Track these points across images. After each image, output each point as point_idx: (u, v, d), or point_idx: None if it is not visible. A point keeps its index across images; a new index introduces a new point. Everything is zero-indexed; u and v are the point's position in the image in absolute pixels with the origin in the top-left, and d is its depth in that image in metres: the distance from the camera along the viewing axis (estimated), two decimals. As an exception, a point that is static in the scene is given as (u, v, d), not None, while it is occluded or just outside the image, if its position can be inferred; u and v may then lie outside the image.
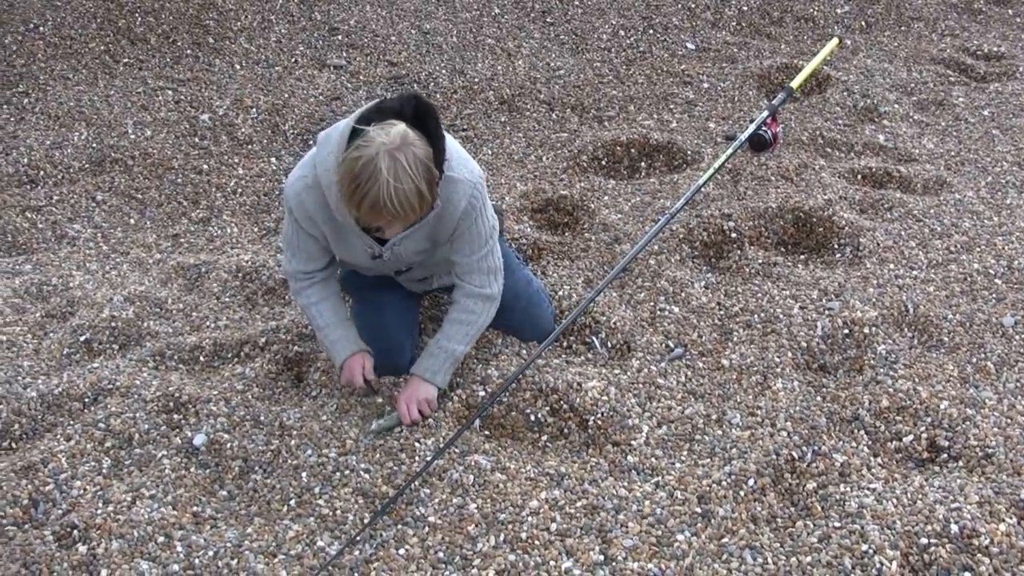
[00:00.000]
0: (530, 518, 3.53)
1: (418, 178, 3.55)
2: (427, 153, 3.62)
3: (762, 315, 4.64)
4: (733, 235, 5.25)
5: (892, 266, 5.02)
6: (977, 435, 3.84)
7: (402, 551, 3.44)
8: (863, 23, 8.26)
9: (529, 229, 5.33)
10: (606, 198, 5.68)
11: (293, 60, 7.20)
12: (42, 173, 6.06)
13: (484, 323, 4.23)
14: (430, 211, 3.83)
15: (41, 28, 7.17)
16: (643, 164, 6.22)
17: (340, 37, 7.42)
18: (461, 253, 4.10)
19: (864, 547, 3.33)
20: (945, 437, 3.86)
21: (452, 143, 3.95)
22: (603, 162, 6.24)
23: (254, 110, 6.65)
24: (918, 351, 4.43)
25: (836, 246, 5.24)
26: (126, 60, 7.09)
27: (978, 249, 5.15)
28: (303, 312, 4.30)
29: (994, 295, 4.79)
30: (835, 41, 6.51)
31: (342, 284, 4.47)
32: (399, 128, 3.59)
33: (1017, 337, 4.49)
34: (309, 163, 3.92)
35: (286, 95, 6.79)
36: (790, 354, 4.38)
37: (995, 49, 7.85)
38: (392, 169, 3.50)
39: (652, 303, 4.76)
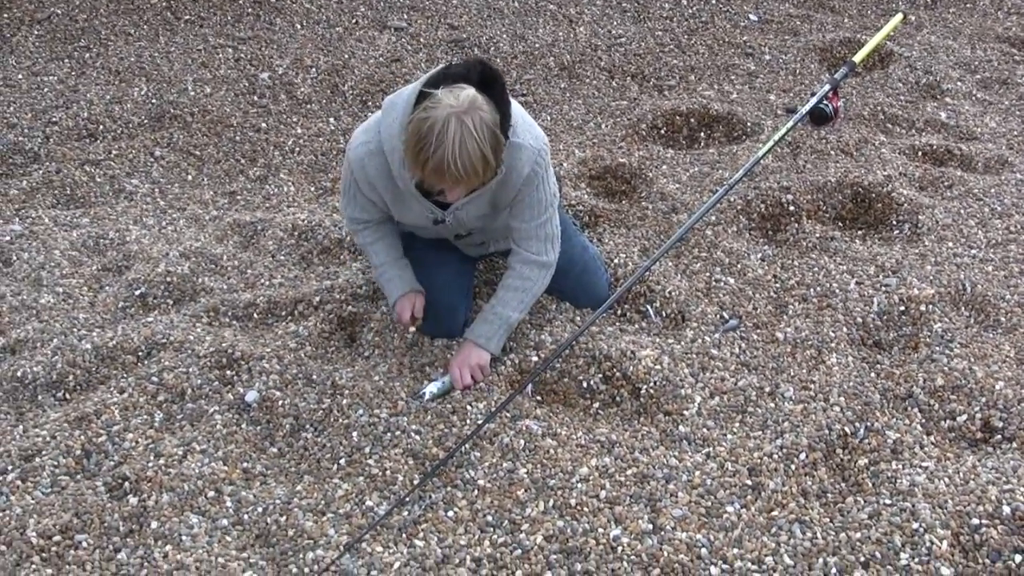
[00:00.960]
0: (579, 485, 3.53)
1: (484, 143, 3.56)
2: (494, 119, 3.61)
3: (818, 289, 4.60)
4: (791, 208, 5.21)
5: (951, 244, 4.96)
6: (1033, 417, 3.80)
7: (451, 513, 3.45)
8: (929, -1, 8.18)
9: (586, 196, 5.31)
10: (664, 167, 5.65)
11: (354, 21, 7.20)
12: (101, 127, 6.09)
13: (539, 290, 4.23)
14: (493, 177, 3.83)
15: (104, -17, 7.22)
16: (702, 134, 6.18)
17: (401, -1, 7.44)
18: (520, 219, 4.10)
19: (915, 525, 3.31)
20: (1000, 418, 3.81)
21: (517, 108, 3.95)
22: (662, 131, 6.21)
23: (314, 70, 6.65)
24: (975, 330, 4.38)
25: (894, 222, 5.19)
26: (187, 17, 7.11)
27: (1039, 230, 5.10)
28: (361, 249, 4.39)
29: (1053, 276, 4.73)
30: (899, 16, 6.44)
31: None
32: (468, 92, 3.59)
33: (1077, 319, 4.44)
34: (373, 128, 3.94)
35: (346, 56, 6.79)
36: (845, 329, 4.35)
37: (1063, 27, 7.75)
38: (459, 132, 3.51)
39: (708, 274, 4.74)
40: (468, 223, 4.14)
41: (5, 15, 7.05)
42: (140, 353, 4.21)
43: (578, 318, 4.39)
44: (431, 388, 4.00)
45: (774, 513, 3.43)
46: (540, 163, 3.97)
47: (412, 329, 4.25)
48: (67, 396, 4.03)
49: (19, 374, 4.06)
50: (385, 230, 4.29)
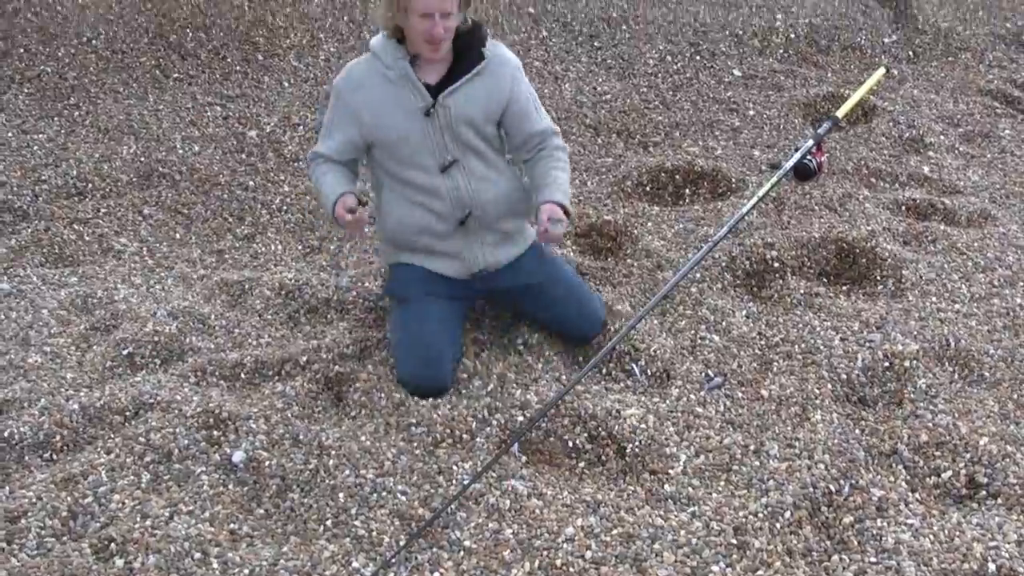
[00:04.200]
0: (565, 545, 3.54)
1: None
2: None
3: (803, 346, 4.63)
4: (775, 264, 5.24)
5: (934, 299, 5.00)
6: (1017, 472, 3.82)
7: (437, 574, 3.45)
8: (910, 53, 8.25)
9: (572, 254, 5.34)
10: (650, 224, 5.69)
11: (341, 79, 7.26)
12: (90, 186, 6.12)
13: None
14: (480, 60, 4.25)
15: (94, 42, 7.25)
16: (687, 191, 6.23)
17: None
18: (531, 120, 4.44)
19: (900, 584, 3.33)
20: (984, 474, 3.84)
21: None
22: (647, 188, 6.25)
23: (301, 128, 6.70)
24: (959, 386, 4.41)
25: (878, 277, 5.23)
26: (176, 75, 7.16)
27: (1021, 283, 5.13)
28: (314, 186, 4.60)
29: (1037, 331, 4.77)
30: (881, 71, 6.51)
31: (390, 293, 4.70)
32: None
33: (1059, 374, 4.47)
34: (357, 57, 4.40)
35: (333, 114, 6.84)
36: (830, 386, 4.38)
37: (1043, 81, 7.82)
38: None
39: (693, 331, 4.76)
40: (463, 117, 4.30)
41: (-5, 73, 7.10)
42: (127, 413, 4.21)
43: (563, 377, 4.41)
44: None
45: (759, 572, 3.43)
46: (519, 67, 4.43)
47: (349, 217, 4.24)
48: (54, 457, 4.02)
49: (6, 434, 4.05)
50: (338, 168, 4.46)
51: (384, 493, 3.76)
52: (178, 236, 5.80)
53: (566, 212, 4.26)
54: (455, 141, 4.34)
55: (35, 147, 6.40)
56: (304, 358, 4.58)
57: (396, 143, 4.34)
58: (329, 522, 3.69)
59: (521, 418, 4.15)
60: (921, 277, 5.16)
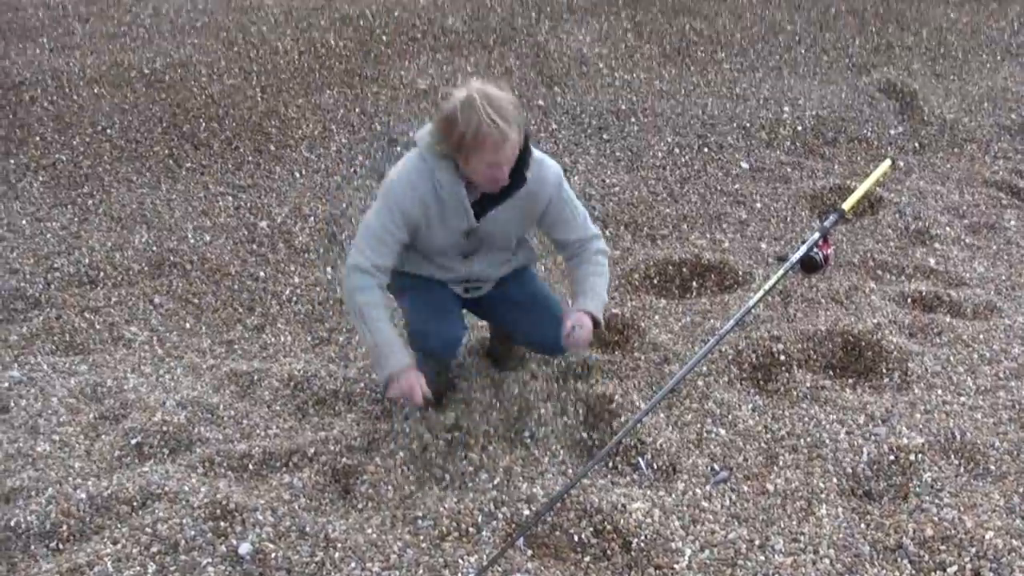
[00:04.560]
0: (570, 640, 3.54)
1: (511, 100, 4.10)
2: (512, 98, 4.13)
3: (808, 440, 4.64)
4: (782, 357, 5.26)
5: (940, 392, 5.01)
6: (1023, 567, 3.82)
7: (441, 669, 3.46)
8: (916, 144, 8.31)
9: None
10: (657, 317, 5.71)
11: (352, 170, 7.33)
12: (102, 274, 6.17)
13: None
14: (522, 184, 4.34)
15: (108, 131, 7.35)
16: (695, 283, 6.26)
17: (399, 149, 7.53)
18: (569, 227, 4.64)
19: None
20: (990, 568, 3.84)
21: None
22: (655, 281, 6.28)
23: (312, 219, 6.76)
24: (964, 479, 4.41)
25: (884, 370, 5.24)
26: (189, 165, 7.24)
27: (1028, 376, 5.15)
28: (357, 312, 4.39)
29: (1043, 424, 4.78)
30: (887, 163, 6.56)
31: (390, 286, 4.72)
32: (476, 82, 4.13)
33: (1066, 468, 4.47)
34: (414, 157, 4.37)
35: (344, 205, 6.90)
36: (835, 480, 4.38)
37: (1049, 173, 7.88)
38: (483, 97, 4.01)
39: (699, 425, 4.78)
40: (497, 232, 4.53)
41: (12, 160, 7.17)
42: (135, 503, 4.23)
43: (570, 471, 4.43)
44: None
45: (764, 669, 3.44)
46: (562, 179, 4.55)
47: (407, 409, 4.51)
48: (60, 546, 4.04)
49: (12, 523, 4.07)
50: (384, 295, 4.47)
51: (389, 586, 3.77)
52: (188, 326, 5.84)
53: (596, 321, 4.56)
54: (484, 246, 4.62)
55: (48, 235, 6.46)
56: (312, 450, 4.60)
57: (431, 249, 4.57)
58: (334, 615, 3.70)
59: (527, 512, 4.16)
60: (927, 370, 5.18)
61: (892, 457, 4.48)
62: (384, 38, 8.61)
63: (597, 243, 4.72)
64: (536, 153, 4.43)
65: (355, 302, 4.38)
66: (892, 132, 8.42)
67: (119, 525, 4.11)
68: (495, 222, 4.47)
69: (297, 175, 7.22)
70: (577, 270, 4.71)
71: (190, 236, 6.52)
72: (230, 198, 6.92)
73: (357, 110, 7.87)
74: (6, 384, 5.14)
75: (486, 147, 4.05)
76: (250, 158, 7.35)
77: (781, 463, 4.52)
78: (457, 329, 4.78)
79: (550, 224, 4.65)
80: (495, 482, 4.38)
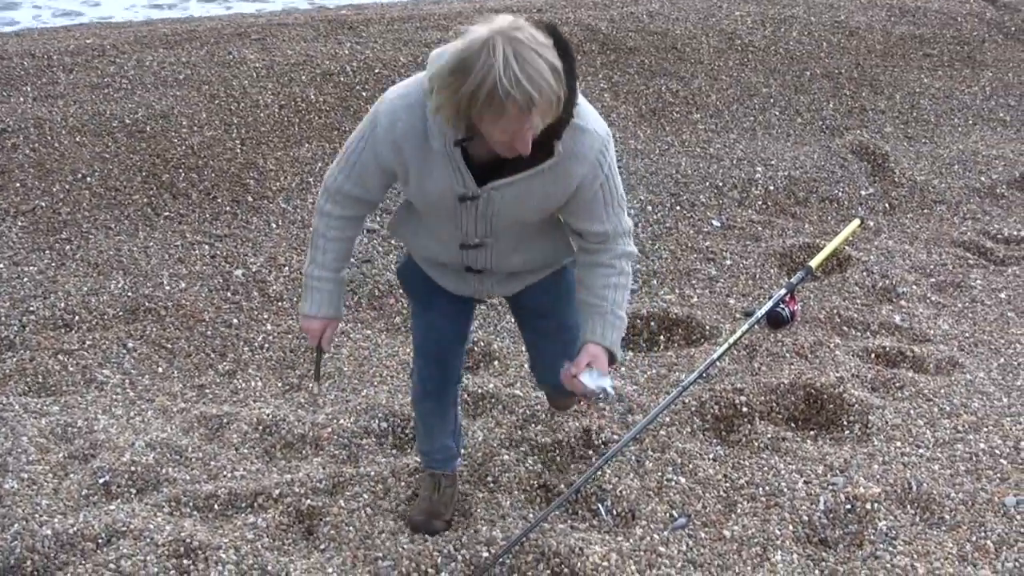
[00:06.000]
0: None
1: (544, 56, 3.05)
2: (554, 53, 3.11)
3: (767, 488, 4.71)
4: (744, 409, 5.34)
5: (899, 444, 5.09)
6: (972, 615, 3.90)
7: None
8: (887, 205, 8.42)
9: (546, 399, 5.44)
10: (623, 369, 5.79)
11: (327, 221, 7.40)
12: (77, 318, 6.22)
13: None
14: (548, 158, 3.43)
15: (88, 179, 7.41)
16: (662, 337, 6.33)
17: (375, 200, 7.62)
18: (595, 215, 3.69)
19: None
20: (940, 615, 3.92)
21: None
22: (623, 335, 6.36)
23: (287, 268, 6.83)
24: (919, 528, 4.49)
25: (845, 423, 5.32)
26: (167, 214, 7.31)
27: (985, 429, 5.22)
28: (313, 231, 3.96)
29: (998, 475, 4.85)
30: (856, 222, 6.68)
31: (400, 276, 4.35)
32: (507, 16, 3.11)
33: (1018, 517, 4.54)
34: (413, 82, 3.51)
35: (318, 255, 6.97)
36: (791, 527, 4.45)
37: (1015, 233, 7.97)
38: (508, 47, 2.99)
39: (660, 473, 4.84)
40: (506, 209, 3.62)
41: (-10, 207, 7.25)
42: (100, 540, 4.28)
43: (530, 515, 4.49)
44: (606, 383, 3.81)
45: None
46: (604, 153, 3.55)
47: (313, 341, 4.13)
48: (24, 583, 4.10)
49: (-23, 560, 4.13)
50: (349, 234, 3.93)
51: (347, 624, 3.83)
52: (160, 370, 5.90)
53: (612, 357, 3.89)
54: (488, 228, 3.74)
55: (25, 279, 6.52)
56: (277, 491, 4.66)
57: (420, 205, 3.80)
58: (292, 652, 3.74)
59: (486, 554, 4.22)
60: (887, 422, 5.26)
61: (848, 506, 4.56)
62: (364, 93, 8.70)
63: (625, 243, 3.81)
64: (580, 117, 3.44)
65: (314, 223, 3.94)
66: (863, 193, 8.53)
67: (83, 561, 4.16)
68: (504, 196, 3.57)
69: (273, 225, 7.30)
70: (591, 274, 3.82)
71: (166, 283, 6.58)
72: (207, 247, 7.00)
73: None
74: (-23, 424, 5.19)
75: (499, 113, 3.08)
76: (228, 208, 7.42)
77: (739, 510, 4.59)
78: (452, 357, 4.26)
79: (572, 210, 3.70)
80: (455, 525, 4.44)
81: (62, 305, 6.29)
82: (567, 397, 4.70)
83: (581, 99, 3.44)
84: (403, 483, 4.68)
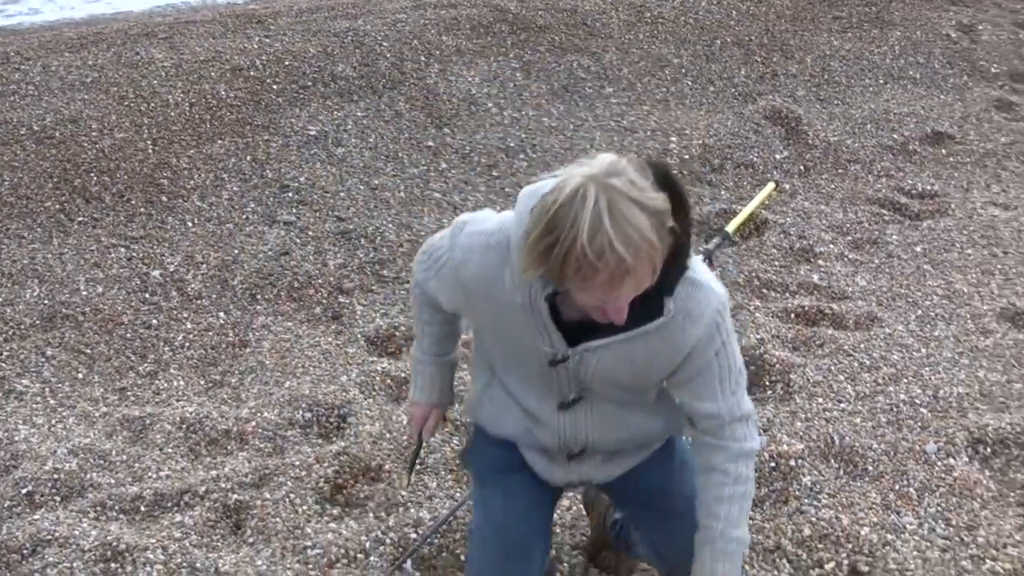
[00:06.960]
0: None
1: (642, 207, 2.47)
2: (658, 197, 2.53)
3: (692, 451, 4.75)
4: (667, 375, 5.37)
5: (821, 400, 5.15)
6: (896, 559, 3.97)
7: None
8: (801, 167, 8.48)
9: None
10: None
11: (244, 217, 7.35)
12: (-7, 330, 6.16)
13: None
14: (658, 315, 2.81)
15: (-2, 189, 7.34)
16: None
17: (290, 194, 7.58)
18: (709, 392, 3.00)
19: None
20: (865, 562, 3.98)
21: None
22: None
23: (204, 266, 6.78)
24: (843, 480, 4.55)
25: (767, 383, 5.37)
26: (81, 219, 7.23)
27: (905, 380, 5.29)
28: (414, 318, 3.46)
29: (919, 424, 4.92)
30: (771, 185, 6.71)
31: (467, 464, 3.68)
32: (606, 156, 2.57)
33: (939, 463, 4.62)
34: (505, 219, 2.95)
35: (236, 251, 6.93)
36: (717, 489, 4.49)
37: (928, 187, 8.06)
38: (601, 198, 2.44)
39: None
40: (600, 375, 2.98)
41: (-101, 224, 7.15)
42: (24, 551, 4.24)
43: (457, 495, 4.49)
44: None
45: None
46: (723, 315, 2.91)
47: (417, 429, 3.63)
48: (-51, 599, 4.05)
49: (-100, 578, 4.08)
50: (450, 326, 3.43)
51: (278, 614, 3.82)
52: (81, 376, 5.84)
53: None
54: (584, 389, 3.08)
55: (-62, 294, 6.44)
56: (203, 488, 4.63)
57: (503, 363, 3.23)
58: (223, 646, 3.73)
59: (414, 535, 4.22)
60: (808, 380, 5.31)
61: (773, 464, 4.61)
62: (275, 87, 8.66)
63: (744, 435, 3.08)
64: (695, 271, 2.87)
65: (413, 308, 3.43)
66: (778, 156, 8.59)
67: (8, 573, 4.12)
68: (600, 359, 2.92)
69: (189, 224, 7.24)
70: (702, 483, 3.12)
71: (82, 288, 6.51)
72: (122, 249, 6.93)
73: (248, 158, 7.90)
74: None
75: (592, 272, 2.48)
76: (142, 209, 7.35)
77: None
78: (524, 560, 3.27)
79: (683, 381, 3.01)
80: (383, 508, 4.44)
81: (-24, 318, 6.21)
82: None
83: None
84: (329, 470, 4.67)
